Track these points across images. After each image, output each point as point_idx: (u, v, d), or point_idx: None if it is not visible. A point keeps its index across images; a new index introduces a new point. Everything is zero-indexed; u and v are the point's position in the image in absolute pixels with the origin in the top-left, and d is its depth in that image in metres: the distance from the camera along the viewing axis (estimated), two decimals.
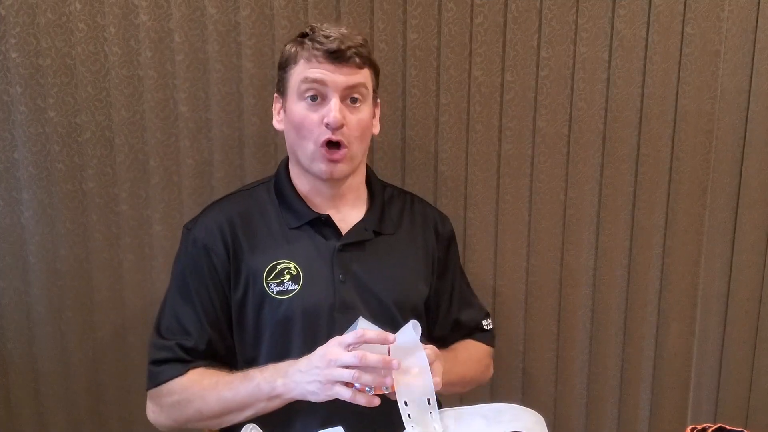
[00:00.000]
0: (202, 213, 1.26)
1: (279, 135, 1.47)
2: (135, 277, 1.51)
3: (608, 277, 1.63)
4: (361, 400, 1.01)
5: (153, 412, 1.21)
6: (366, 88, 1.19)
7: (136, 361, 1.53)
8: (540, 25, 1.51)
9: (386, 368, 1.01)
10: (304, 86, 1.15)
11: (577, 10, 1.50)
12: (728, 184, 1.62)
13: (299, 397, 1.08)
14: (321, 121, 1.15)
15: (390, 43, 1.48)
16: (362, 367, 1.01)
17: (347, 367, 1.02)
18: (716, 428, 1.05)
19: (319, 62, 1.14)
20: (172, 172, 1.48)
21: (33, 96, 1.40)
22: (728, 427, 1.05)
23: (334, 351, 1.03)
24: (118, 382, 1.55)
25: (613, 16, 1.51)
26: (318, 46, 1.14)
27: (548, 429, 1.05)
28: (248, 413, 1.13)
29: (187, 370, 1.17)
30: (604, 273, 1.63)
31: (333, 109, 1.14)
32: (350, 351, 1.02)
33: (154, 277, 1.51)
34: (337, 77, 1.14)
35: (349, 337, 1.03)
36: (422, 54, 1.49)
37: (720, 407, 1.72)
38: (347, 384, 1.02)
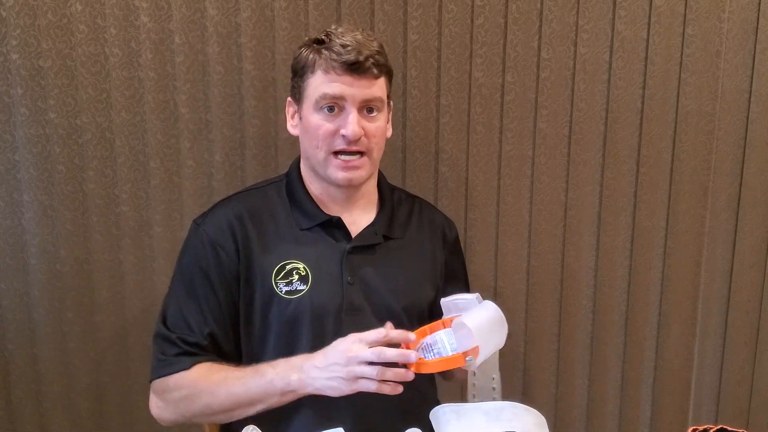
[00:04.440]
0: (211, 209, 1.26)
1: (279, 137, 1.47)
2: (135, 278, 1.51)
3: (609, 278, 1.63)
4: (387, 389, 1.03)
5: (157, 407, 1.20)
6: (382, 100, 1.20)
7: (136, 361, 1.54)
8: (540, 26, 1.51)
9: (404, 362, 1.03)
10: (322, 101, 1.16)
11: (577, 11, 1.50)
12: (729, 185, 1.62)
13: (315, 392, 1.08)
14: (336, 131, 1.16)
15: (390, 44, 1.47)
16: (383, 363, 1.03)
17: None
18: (717, 429, 1.05)
19: (337, 74, 1.14)
20: (172, 174, 1.48)
21: (34, 97, 1.40)
22: (729, 428, 1.05)
23: (354, 348, 1.04)
24: (119, 382, 1.55)
25: (614, 17, 1.51)
26: (335, 57, 1.13)
27: (549, 430, 1.05)
28: (259, 408, 1.13)
29: (192, 364, 1.16)
30: (605, 274, 1.63)
31: (351, 122, 1.15)
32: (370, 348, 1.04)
33: (154, 278, 1.51)
34: (356, 90, 1.15)
35: (371, 335, 1.05)
36: (423, 55, 1.49)
37: (721, 408, 1.72)
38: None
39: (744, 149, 1.60)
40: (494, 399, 1.14)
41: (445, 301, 1.11)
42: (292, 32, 1.44)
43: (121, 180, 1.46)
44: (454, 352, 1.03)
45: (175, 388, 1.17)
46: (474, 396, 1.14)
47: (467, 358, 1.02)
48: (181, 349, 1.17)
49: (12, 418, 1.53)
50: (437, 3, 1.48)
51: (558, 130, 1.55)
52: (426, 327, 1.10)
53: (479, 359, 1.03)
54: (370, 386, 1.03)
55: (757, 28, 1.54)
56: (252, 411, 1.13)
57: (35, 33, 1.37)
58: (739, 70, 1.56)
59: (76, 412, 1.54)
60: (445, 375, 1.37)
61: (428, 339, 1.07)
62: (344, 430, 1.06)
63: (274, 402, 1.12)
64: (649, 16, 1.51)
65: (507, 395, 1.65)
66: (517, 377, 1.66)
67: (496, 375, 1.14)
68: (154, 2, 1.40)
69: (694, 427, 1.06)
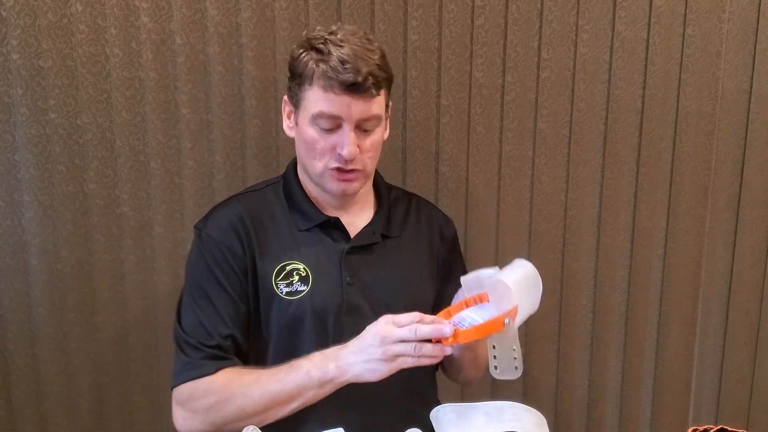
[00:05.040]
0: (211, 212, 1.25)
1: (280, 137, 1.47)
2: (136, 279, 1.51)
3: (609, 279, 1.63)
4: (426, 362, 1.03)
5: (184, 419, 1.16)
6: (380, 117, 1.18)
7: (137, 362, 1.54)
8: (541, 27, 1.51)
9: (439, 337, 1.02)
10: (319, 118, 1.14)
11: (577, 12, 1.50)
12: (729, 185, 1.62)
13: (354, 379, 1.06)
14: (333, 147, 1.15)
15: (391, 45, 1.48)
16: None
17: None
18: (718, 429, 1.05)
19: (335, 93, 1.11)
20: (173, 174, 1.48)
21: (34, 98, 1.40)
22: (729, 429, 1.05)
23: (387, 329, 1.04)
24: (119, 382, 1.55)
25: (614, 17, 1.51)
26: (333, 75, 1.10)
27: (549, 430, 1.05)
28: (295, 404, 1.10)
29: (217, 369, 1.14)
30: (605, 274, 1.63)
31: (348, 142, 1.13)
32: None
33: (155, 278, 1.51)
34: (353, 110, 1.13)
35: (403, 318, 1.04)
36: (423, 55, 1.49)
37: (721, 408, 1.72)
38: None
39: (744, 149, 1.60)
40: (516, 368, 1.07)
41: (466, 278, 1.07)
42: (293, 32, 1.44)
43: (122, 180, 1.46)
44: (490, 318, 1.00)
45: (203, 394, 1.14)
46: (496, 368, 1.06)
47: (506, 320, 0.98)
48: (204, 352, 1.15)
49: (12, 418, 1.53)
50: (437, 3, 1.48)
51: (558, 130, 1.55)
52: (448, 308, 1.08)
53: (518, 320, 0.99)
54: (409, 362, 1.02)
55: (757, 28, 1.54)
56: (287, 410, 1.11)
57: (35, 33, 1.37)
58: (739, 71, 1.56)
59: (76, 412, 1.54)
60: (454, 371, 1.36)
61: (454, 318, 1.05)
62: (345, 430, 1.06)
63: (311, 396, 1.09)
64: (649, 16, 1.51)
65: (507, 395, 1.66)
66: (518, 377, 1.66)
67: (517, 347, 1.07)
68: (155, 2, 1.40)
69: (694, 427, 1.07)
